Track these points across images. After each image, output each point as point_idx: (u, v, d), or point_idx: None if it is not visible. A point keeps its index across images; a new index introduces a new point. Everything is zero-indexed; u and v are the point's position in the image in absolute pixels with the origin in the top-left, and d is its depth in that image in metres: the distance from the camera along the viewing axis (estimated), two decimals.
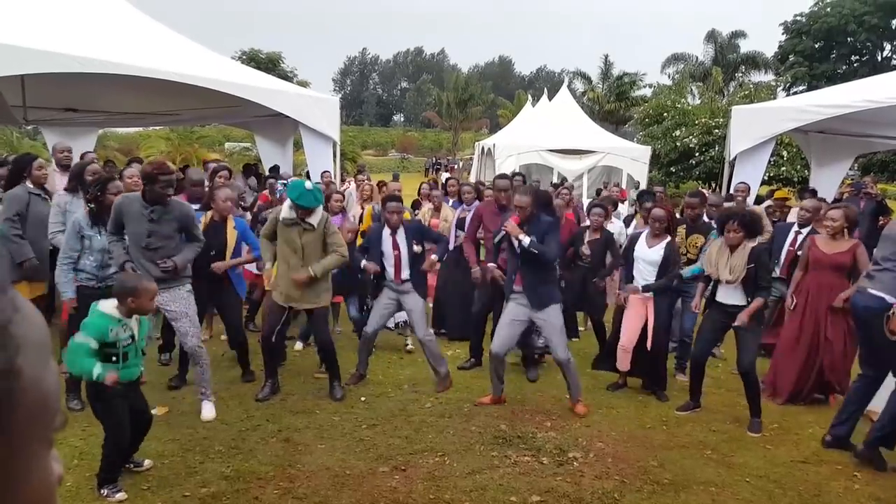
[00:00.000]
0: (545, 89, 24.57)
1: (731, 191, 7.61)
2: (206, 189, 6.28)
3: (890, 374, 4.59)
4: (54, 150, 7.47)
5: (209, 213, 5.64)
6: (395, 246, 5.61)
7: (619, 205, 10.37)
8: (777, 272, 6.22)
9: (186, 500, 3.80)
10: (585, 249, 6.51)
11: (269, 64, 33.74)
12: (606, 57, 44.02)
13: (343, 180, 12.49)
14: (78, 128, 10.61)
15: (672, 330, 6.16)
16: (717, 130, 19.18)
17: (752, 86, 29.25)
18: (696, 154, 20.38)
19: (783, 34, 45.17)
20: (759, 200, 9.15)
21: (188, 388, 5.37)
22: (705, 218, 6.55)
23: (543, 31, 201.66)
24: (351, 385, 5.68)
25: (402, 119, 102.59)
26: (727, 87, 34.41)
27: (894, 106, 7.87)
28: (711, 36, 42.20)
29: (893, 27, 43.60)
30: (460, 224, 7.02)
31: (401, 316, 6.09)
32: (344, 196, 7.58)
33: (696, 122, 20.87)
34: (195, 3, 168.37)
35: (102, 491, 3.71)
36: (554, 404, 5.48)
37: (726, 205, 6.94)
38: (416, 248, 5.64)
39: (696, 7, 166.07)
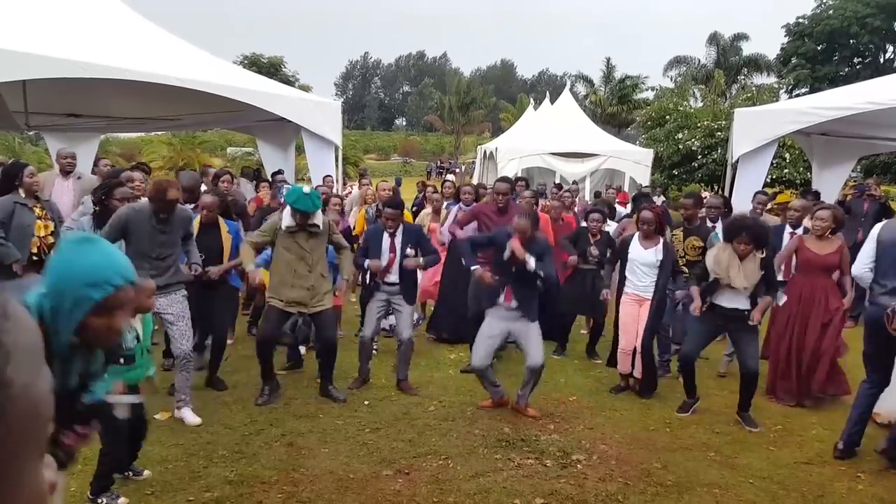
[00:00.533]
0: (547, 92, 24.66)
1: (751, 202, 7.57)
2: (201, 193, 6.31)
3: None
4: (58, 155, 7.47)
5: (198, 217, 5.65)
6: (392, 248, 5.66)
7: (619, 208, 10.38)
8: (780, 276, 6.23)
9: None
10: (594, 249, 6.62)
11: (270, 68, 33.76)
12: (608, 60, 44.00)
13: (345, 184, 12.52)
14: (80, 133, 10.61)
15: (675, 332, 6.18)
16: (719, 133, 19.14)
17: (754, 88, 29.26)
18: (699, 157, 20.36)
19: (785, 36, 45.12)
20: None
21: (193, 392, 5.37)
22: (708, 223, 6.59)
23: (545, 34, 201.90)
24: (354, 389, 5.68)
25: (404, 123, 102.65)
26: (729, 89, 34.40)
27: None
28: (714, 38, 42.18)
29: None
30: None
31: (393, 319, 6.12)
32: (342, 200, 7.60)
33: (699, 124, 20.85)
34: (197, 7, 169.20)
35: (101, 500, 3.66)
36: (557, 407, 5.48)
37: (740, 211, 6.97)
38: (410, 252, 5.69)
39: (698, 9, 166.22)
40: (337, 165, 9.61)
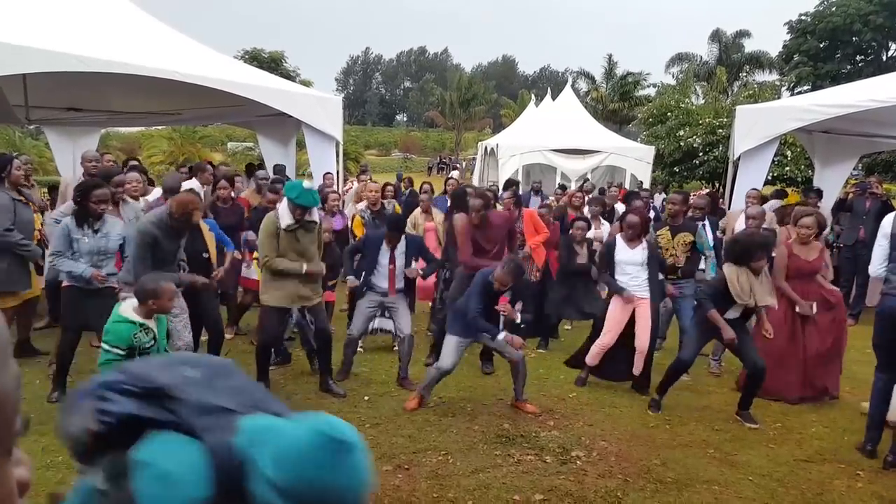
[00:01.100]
0: (549, 89, 24.55)
1: (745, 199, 7.64)
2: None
3: None
4: (83, 158, 7.50)
5: None
6: (392, 260, 5.72)
7: (620, 206, 10.35)
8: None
9: None
10: (580, 259, 6.85)
11: (271, 63, 33.64)
12: (610, 56, 43.92)
13: (345, 180, 12.49)
14: (80, 127, 10.61)
15: (660, 326, 6.39)
16: (720, 130, 19.07)
17: (756, 85, 29.14)
18: (700, 154, 20.29)
19: (788, 34, 44.93)
20: (763, 200, 9.12)
21: None
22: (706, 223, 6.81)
23: (547, 30, 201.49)
24: (339, 380, 5.71)
25: (405, 119, 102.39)
26: (731, 86, 34.27)
27: None
28: (716, 35, 42.10)
29: None
30: None
31: (380, 323, 6.12)
32: (340, 197, 7.55)
33: (700, 121, 20.77)
34: (197, 2, 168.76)
35: None
36: (556, 403, 5.48)
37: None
38: (414, 265, 5.81)
39: (701, 6, 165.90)
40: (337, 161, 9.59)
